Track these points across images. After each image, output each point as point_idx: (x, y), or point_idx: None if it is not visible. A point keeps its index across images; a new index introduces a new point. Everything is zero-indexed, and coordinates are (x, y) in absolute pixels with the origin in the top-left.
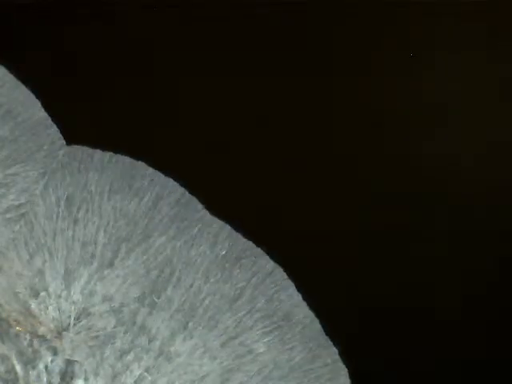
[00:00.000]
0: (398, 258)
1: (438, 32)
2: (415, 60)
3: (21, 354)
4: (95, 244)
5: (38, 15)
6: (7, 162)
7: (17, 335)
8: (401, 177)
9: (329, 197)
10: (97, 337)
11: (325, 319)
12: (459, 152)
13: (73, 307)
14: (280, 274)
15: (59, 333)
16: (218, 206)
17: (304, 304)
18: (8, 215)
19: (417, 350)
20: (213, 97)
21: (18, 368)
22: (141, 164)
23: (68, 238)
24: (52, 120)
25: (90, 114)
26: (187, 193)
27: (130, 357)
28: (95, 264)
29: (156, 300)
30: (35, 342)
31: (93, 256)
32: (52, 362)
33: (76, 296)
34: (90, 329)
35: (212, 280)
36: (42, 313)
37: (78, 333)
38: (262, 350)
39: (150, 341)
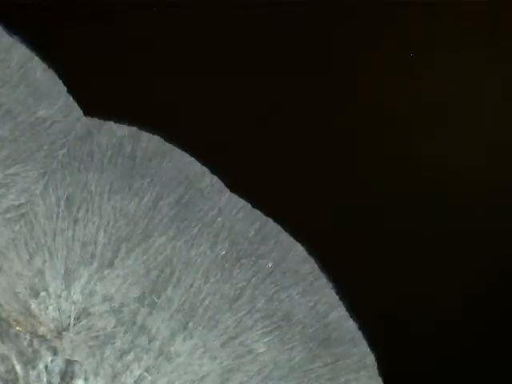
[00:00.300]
0: (398, 258)
1: (438, 32)
2: (415, 60)
3: (21, 354)
4: (95, 244)
5: (38, 15)
6: (7, 162)
7: (17, 335)
8: (401, 177)
9: (329, 197)
10: (97, 337)
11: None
12: (459, 152)
13: (73, 307)
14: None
15: (59, 333)
16: None
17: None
18: (8, 215)
19: (417, 350)
20: (213, 97)
21: (18, 368)
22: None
23: (68, 238)
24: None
25: (89, 115)
26: (187, 193)
27: (129, 357)
28: (95, 264)
29: (156, 300)
30: (35, 342)
31: (93, 256)
32: (52, 361)
33: (76, 296)
34: (89, 329)
35: (212, 280)
36: (42, 313)
37: (78, 333)
38: (261, 350)
39: (150, 341)
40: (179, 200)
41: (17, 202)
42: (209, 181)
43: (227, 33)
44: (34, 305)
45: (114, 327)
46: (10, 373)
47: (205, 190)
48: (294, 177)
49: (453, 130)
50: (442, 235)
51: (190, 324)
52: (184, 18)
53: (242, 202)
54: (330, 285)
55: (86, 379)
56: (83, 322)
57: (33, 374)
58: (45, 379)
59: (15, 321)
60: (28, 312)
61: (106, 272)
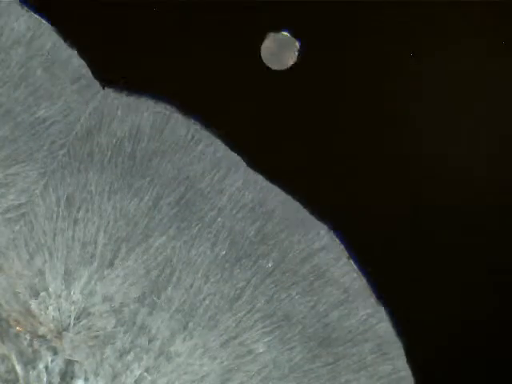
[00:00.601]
0: (398, 258)
1: (438, 32)
2: (415, 60)
3: (21, 354)
4: (95, 244)
5: (38, 15)
6: (7, 162)
7: (17, 335)
8: (401, 177)
9: (329, 197)
10: (97, 337)
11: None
12: (459, 152)
13: (73, 307)
14: (280, 273)
15: (59, 333)
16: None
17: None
18: (8, 215)
19: (417, 349)
20: (213, 97)
21: (18, 368)
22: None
23: (68, 238)
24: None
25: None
26: (187, 193)
27: (129, 357)
28: (95, 264)
29: (156, 300)
30: (35, 342)
31: (93, 256)
32: (52, 361)
33: (76, 296)
34: (89, 329)
35: (212, 280)
36: (42, 313)
37: (78, 333)
38: (262, 350)
39: (150, 341)
40: (179, 200)
41: (17, 202)
42: (209, 181)
43: (227, 33)
44: (34, 305)
45: (114, 327)
46: (10, 373)
47: (205, 190)
48: (294, 177)
49: (453, 130)
50: (442, 235)
51: (190, 324)
52: (184, 18)
53: (242, 202)
54: (330, 285)
55: (86, 379)
56: (83, 321)
57: (33, 374)
58: (45, 379)
59: (15, 321)
60: (28, 312)
61: (105, 272)
